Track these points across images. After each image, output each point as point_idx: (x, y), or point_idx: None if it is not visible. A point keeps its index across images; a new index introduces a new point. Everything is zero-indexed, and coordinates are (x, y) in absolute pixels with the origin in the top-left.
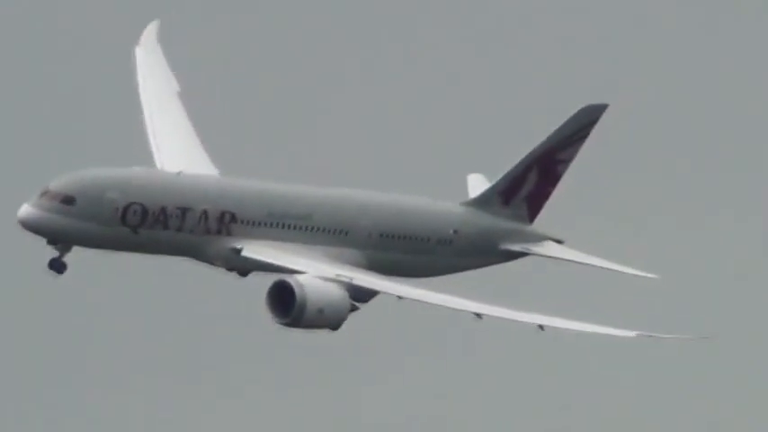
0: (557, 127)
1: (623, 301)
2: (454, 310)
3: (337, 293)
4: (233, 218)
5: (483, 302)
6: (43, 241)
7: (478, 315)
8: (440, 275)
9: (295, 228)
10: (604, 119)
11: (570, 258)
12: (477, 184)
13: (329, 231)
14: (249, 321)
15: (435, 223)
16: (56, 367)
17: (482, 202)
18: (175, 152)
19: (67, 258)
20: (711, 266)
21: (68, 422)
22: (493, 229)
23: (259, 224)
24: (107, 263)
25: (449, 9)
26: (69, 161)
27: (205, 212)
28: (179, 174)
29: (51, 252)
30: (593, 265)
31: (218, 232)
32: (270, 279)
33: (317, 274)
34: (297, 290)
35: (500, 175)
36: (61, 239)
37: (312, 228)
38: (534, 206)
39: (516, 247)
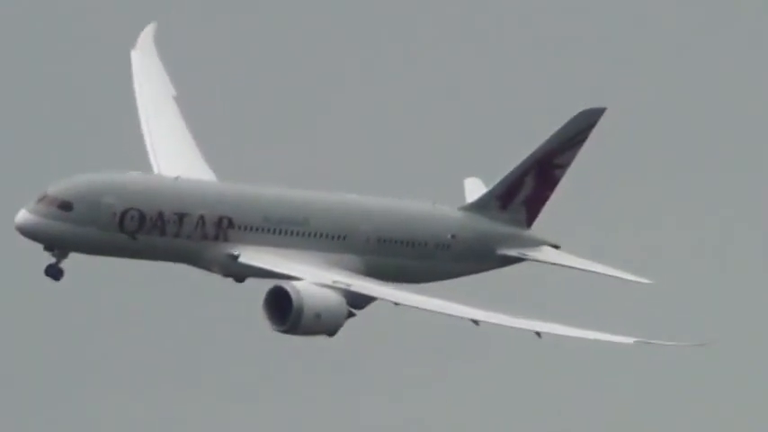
0: (554, 131)
1: (620, 307)
2: (451, 316)
3: (334, 300)
4: (230, 223)
5: (480, 308)
6: (40, 247)
7: (475, 322)
8: (437, 281)
9: (292, 233)
10: (602, 123)
11: (567, 264)
12: (474, 188)
13: (326, 237)
14: (246, 327)
15: (433, 228)
16: (53, 373)
17: (480, 206)
18: (172, 156)
19: (64, 264)
20: (708, 272)
21: (66, 427)
22: (490, 233)
23: (256, 230)
24: (104, 269)
25: (447, 13)
26: (66, 165)
27: (202, 218)
28: (176, 179)
29: (48, 258)
30: (589, 271)
31: (216, 238)
32: (267, 285)
33: (314, 280)
34: (294, 296)
35: (497, 179)
36: (58, 245)
37: (309, 233)
38: (532, 210)
39: (513, 253)
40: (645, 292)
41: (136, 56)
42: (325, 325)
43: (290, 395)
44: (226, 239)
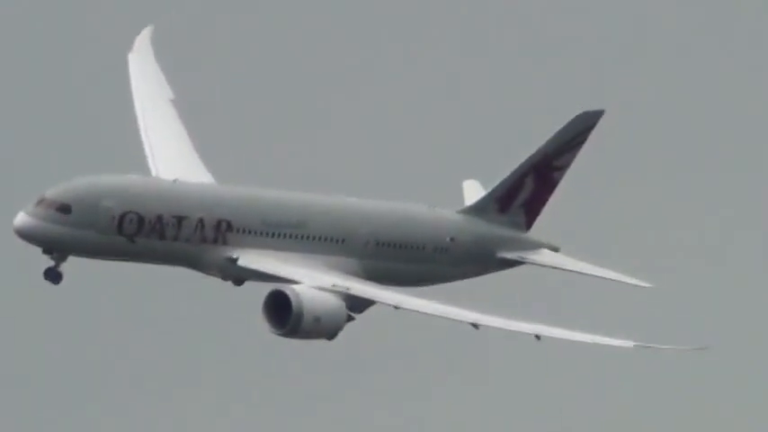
0: (553, 133)
1: (619, 311)
2: (450, 319)
3: (334, 303)
4: (229, 226)
5: (479, 312)
6: (39, 250)
7: (475, 325)
8: (436, 284)
9: (291, 236)
10: (601, 125)
11: (566, 267)
12: (473, 191)
13: (325, 240)
14: (245, 331)
15: (432, 231)
16: (52, 376)
17: (478, 209)
18: (170, 159)
19: (63, 268)
20: (708, 275)
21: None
22: (489, 236)
23: (255, 233)
24: (103, 272)
25: (445, 16)
26: (64, 168)
27: (201, 221)
28: (175, 181)
29: (47, 261)
30: (589, 274)
31: (215, 241)
32: (266, 288)
33: (313, 283)
34: (293, 300)
35: (495, 182)
36: (57, 248)
37: (308, 236)
38: (531, 213)
39: (512, 256)
40: (644, 296)
41: (133, 59)
42: (325, 328)
43: (289, 398)
44: (225, 243)
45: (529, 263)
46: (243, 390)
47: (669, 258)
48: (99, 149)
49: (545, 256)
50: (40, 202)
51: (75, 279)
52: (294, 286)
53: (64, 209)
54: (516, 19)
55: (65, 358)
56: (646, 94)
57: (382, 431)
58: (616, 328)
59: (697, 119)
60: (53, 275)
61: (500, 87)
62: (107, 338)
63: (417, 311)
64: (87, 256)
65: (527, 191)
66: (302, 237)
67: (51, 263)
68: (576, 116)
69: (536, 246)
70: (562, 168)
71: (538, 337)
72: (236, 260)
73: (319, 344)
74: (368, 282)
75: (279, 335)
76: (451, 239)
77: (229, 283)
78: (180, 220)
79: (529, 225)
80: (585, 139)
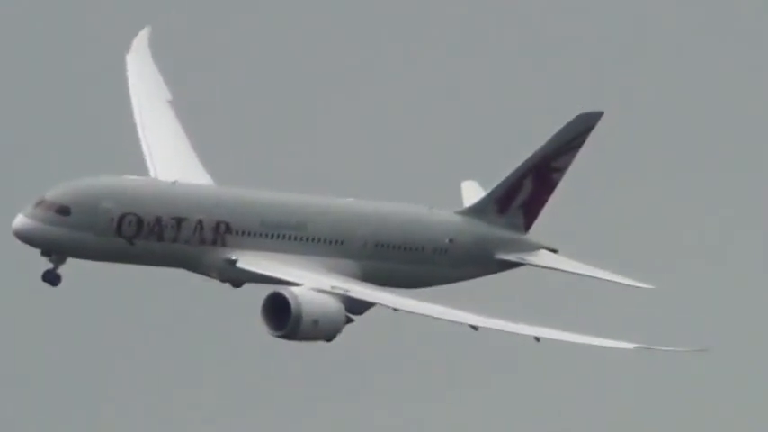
0: (552, 135)
1: (619, 312)
2: (450, 321)
3: (333, 305)
4: (228, 228)
5: (478, 314)
6: (38, 252)
7: (474, 327)
8: (435, 285)
9: (290, 238)
10: (600, 126)
11: (565, 268)
12: (472, 192)
13: (324, 242)
14: (244, 332)
15: (431, 233)
16: (50, 379)
17: (477, 210)
18: (167, 159)
19: (62, 270)
20: (708, 277)
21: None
22: (488, 238)
23: (254, 234)
24: (102, 274)
25: (443, 18)
26: (62, 170)
27: (200, 223)
28: (174, 183)
29: (46, 263)
30: (588, 276)
31: (214, 243)
32: (264, 290)
33: (312, 285)
34: (292, 302)
35: (494, 183)
36: (56, 250)
37: (307, 238)
38: (530, 214)
39: (511, 257)
40: (644, 297)
41: (131, 60)
42: (324, 331)
43: (288, 400)
44: (224, 244)
45: (528, 264)
46: (242, 392)
47: (669, 260)
48: (97, 150)
49: (544, 257)
50: (39, 203)
51: (73, 281)
52: (293, 288)
53: (63, 211)
54: (515, 20)
55: (63, 360)
56: (645, 96)
57: None
58: (616, 329)
59: (696, 119)
60: (52, 277)
61: (499, 88)
62: (106, 340)
63: (416, 313)
64: (86, 259)
65: (526, 192)
66: (301, 238)
67: (50, 265)
68: (576, 117)
69: (535, 247)
70: (561, 170)
71: (537, 338)
72: (234, 262)
73: (318, 346)
74: (367, 283)
75: (277, 337)
76: (450, 241)
77: (227, 285)
78: (179, 221)
79: (528, 226)
80: (584, 141)
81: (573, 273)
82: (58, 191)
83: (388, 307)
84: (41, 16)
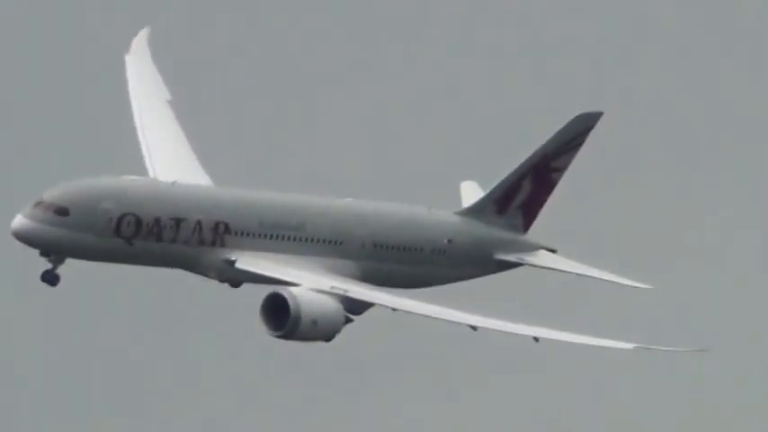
0: (551, 135)
1: (618, 312)
2: (449, 322)
3: (332, 306)
4: (227, 229)
5: (477, 314)
6: (36, 253)
7: (473, 327)
8: (434, 286)
9: (288, 238)
10: (599, 126)
11: (564, 269)
12: (471, 192)
13: (323, 242)
14: (242, 333)
15: (429, 233)
16: (49, 379)
17: (476, 211)
18: (167, 160)
19: (61, 270)
20: (708, 277)
21: None
22: (487, 238)
23: (252, 235)
24: (100, 275)
25: (442, 18)
26: (61, 170)
27: (199, 223)
28: (173, 184)
29: (44, 264)
30: (587, 276)
31: (212, 243)
32: (263, 291)
33: (311, 285)
34: (291, 303)
35: (493, 183)
36: (55, 251)
37: (306, 238)
38: (529, 215)
39: (510, 257)
40: (643, 297)
41: (130, 60)
42: (323, 331)
43: (287, 401)
44: (222, 245)
45: (527, 264)
46: (240, 392)
47: (667, 260)
48: (96, 151)
49: (543, 257)
50: (38, 204)
51: (72, 281)
52: (292, 288)
53: (62, 211)
54: (514, 20)
55: (62, 360)
56: (644, 96)
57: None
58: (615, 329)
59: (696, 120)
60: (50, 278)
61: (498, 88)
62: (104, 341)
63: (415, 314)
64: (85, 259)
65: (525, 192)
66: (300, 239)
67: (49, 265)
68: (575, 117)
69: (534, 247)
70: (560, 170)
71: (536, 339)
72: (233, 262)
73: (317, 346)
74: (366, 284)
75: (276, 337)
76: (449, 241)
77: (226, 285)
78: (178, 222)
79: (526, 227)
80: (584, 141)
81: (572, 273)
82: (56, 191)
83: (387, 307)
84: (41, 17)
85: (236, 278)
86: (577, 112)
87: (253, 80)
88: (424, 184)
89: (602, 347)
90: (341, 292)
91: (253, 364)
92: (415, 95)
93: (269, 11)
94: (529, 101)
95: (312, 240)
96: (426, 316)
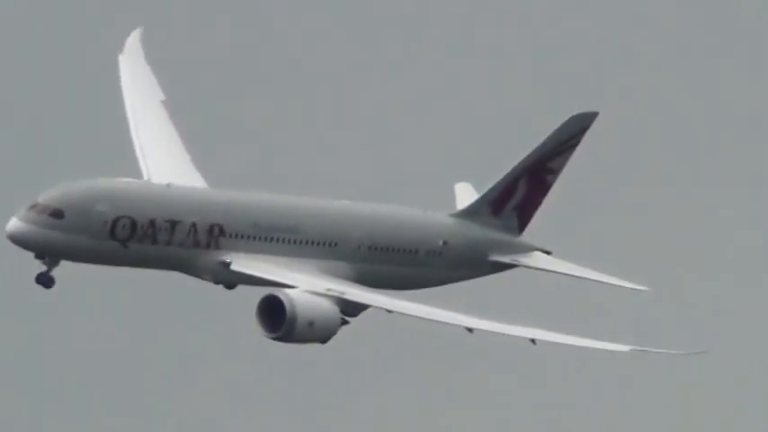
0: (546, 135)
1: (613, 314)
2: (445, 323)
3: (327, 308)
4: (222, 231)
5: (473, 316)
6: (31, 255)
7: (469, 329)
8: (429, 287)
9: (283, 241)
10: (595, 127)
11: (560, 270)
12: (465, 193)
13: (318, 244)
14: (238, 334)
15: (424, 235)
16: (43, 381)
17: (471, 212)
18: (160, 160)
19: (55, 272)
20: (704, 279)
21: None
22: (482, 240)
23: (247, 237)
24: (95, 277)
25: (436, 18)
26: (54, 171)
27: (194, 225)
28: (168, 186)
29: (39, 266)
30: (582, 277)
31: (207, 246)
32: (258, 292)
33: (307, 287)
34: (287, 305)
35: (488, 184)
36: (49, 253)
37: (301, 240)
38: (524, 216)
39: (505, 259)
40: (639, 299)
41: (123, 60)
42: (318, 333)
43: (282, 402)
44: (217, 247)
45: (522, 266)
46: (236, 394)
47: (663, 261)
48: (90, 152)
49: (538, 259)
50: (33, 206)
51: (67, 284)
52: (288, 290)
53: (57, 214)
54: (510, 21)
55: (57, 363)
56: (640, 96)
57: None
58: (611, 331)
59: (692, 120)
60: (45, 280)
61: (493, 90)
62: (99, 343)
63: (411, 315)
64: (80, 261)
65: (520, 194)
66: (295, 241)
67: (43, 268)
68: (570, 118)
69: (528, 249)
70: (555, 171)
71: (533, 341)
72: (229, 264)
73: (313, 348)
74: (361, 285)
75: (272, 339)
76: (444, 243)
77: (221, 287)
78: (173, 224)
79: (521, 229)
80: (579, 142)
81: (567, 274)
82: (51, 194)
83: (383, 309)
84: (33, 17)
85: (231, 280)
86: (573, 113)
87: (247, 80)
88: (419, 185)
89: (598, 349)
90: (336, 294)
91: (248, 366)
92: (409, 97)
93: (263, 10)
94: (523, 102)
95: (307, 242)
96: (422, 318)
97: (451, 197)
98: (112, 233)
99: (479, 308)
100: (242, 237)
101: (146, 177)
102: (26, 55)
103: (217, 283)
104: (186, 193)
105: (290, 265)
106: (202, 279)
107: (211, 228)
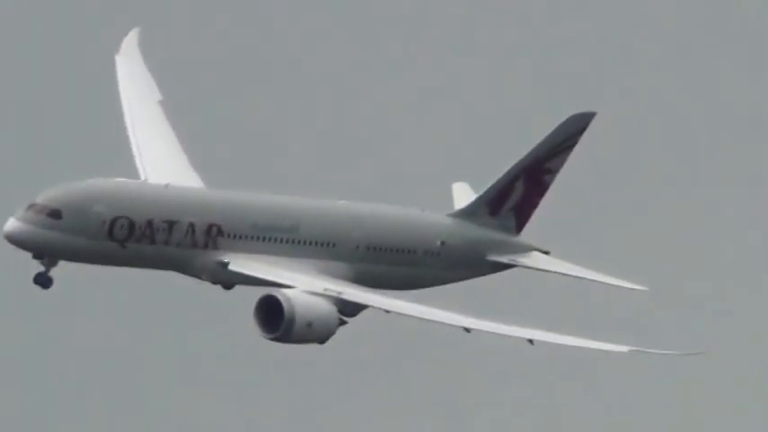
0: (544, 135)
1: (612, 314)
2: (442, 323)
3: (326, 308)
4: (219, 231)
5: (471, 316)
6: (29, 255)
7: (467, 329)
8: (427, 287)
9: (281, 241)
10: (592, 127)
11: (558, 270)
12: (462, 193)
13: (316, 244)
14: (236, 335)
15: (422, 235)
16: (41, 381)
17: (469, 213)
18: (158, 160)
19: (53, 273)
20: (703, 279)
21: None
22: (480, 240)
23: (245, 237)
24: (93, 277)
25: (433, 18)
26: (52, 172)
27: (192, 226)
28: (166, 186)
29: (37, 266)
30: (580, 277)
31: (205, 246)
32: (256, 293)
33: (305, 288)
34: (285, 305)
35: (485, 184)
36: (47, 254)
37: (298, 240)
38: (521, 217)
39: (503, 259)
40: (637, 299)
41: (120, 61)
42: (317, 333)
43: (280, 403)
44: (215, 247)
45: (520, 266)
46: (234, 394)
47: (662, 261)
48: (87, 152)
49: (536, 259)
50: (31, 206)
51: (65, 284)
52: (286, 291)
53: (54, 214)
54: (508, 21)
55: (55, 363)
56: (638, 96)
57: None
58: (610, 332)
59: (690, 120)
60: (43, 280)
61: (490, 90)
62: (97, 343)
63: (409, 315)
64: (78, 262)
65: (518, 194)
66: (293, 241)
67: (41, 268)
68: (568, 118)
69: (527, 249)
70: (553, 171)
71: (531, 341)
72: (226, 264)
73: (311, 348)
74: (359, 286)
75: (270, 339)
76: (442, 243)
77: (219, 287)
78: (171, 224)
79: (519, 229)
80: (577, 142)
81: (565, 274)
82: (49, 194)
83: (381, 309)
84: (30, 18)
85: (229, 280)
86: (570, 113)
87: (244, 80)
88: (417, 186)
89: (597, 350)
90: (335, 294)
91: (246, 366)
92: (407, 97)
93: (260, 10)
94: (521, 102)
95: (305, 242)
96: (420, 318)
97: (449, 197)
98: (110, 233)
99: (477, 308)
100: (240, 237)
101: (143, 178)
102: (23, 55)
103: (215, 283)
104: (184, 194)
105: (288, 266)
106: (200, 279)
107: (209, 228)
